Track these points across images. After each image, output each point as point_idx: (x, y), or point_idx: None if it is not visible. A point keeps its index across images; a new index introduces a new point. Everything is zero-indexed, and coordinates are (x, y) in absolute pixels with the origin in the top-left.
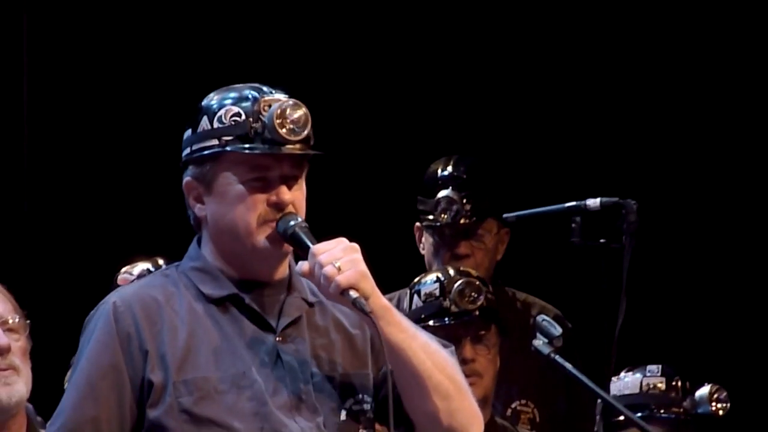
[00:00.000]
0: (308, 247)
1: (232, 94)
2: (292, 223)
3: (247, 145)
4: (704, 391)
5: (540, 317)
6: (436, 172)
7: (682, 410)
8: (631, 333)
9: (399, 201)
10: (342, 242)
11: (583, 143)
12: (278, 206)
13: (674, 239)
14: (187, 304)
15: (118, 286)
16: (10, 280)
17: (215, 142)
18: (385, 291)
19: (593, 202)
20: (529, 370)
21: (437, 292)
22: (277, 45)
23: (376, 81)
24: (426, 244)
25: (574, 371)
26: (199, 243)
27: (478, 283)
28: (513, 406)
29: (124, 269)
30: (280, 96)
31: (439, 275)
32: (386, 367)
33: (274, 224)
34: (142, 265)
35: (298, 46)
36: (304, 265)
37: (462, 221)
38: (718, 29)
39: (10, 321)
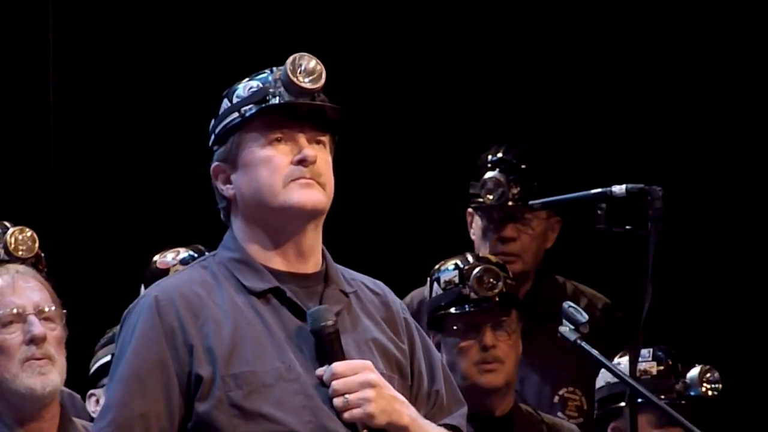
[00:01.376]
0: (337, 356)
1: (247, 79)
2: (328, 323)
3: (263, 105)
4: (694, 372)
5: (566, 304)
6: (487, 157)
7: (675, 394)
8: (657, 320)
9: (455, 188)
10: (363, 373)
11: (609, 129)
12: (302, 162)
13: (701, 225)
14: (229, 296)
15: (160, 270)
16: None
17: (235, 115)
18: None
19: (619, 189)
20: (577, 358)
21: (456, 279)
22: (313, 31)
23: (425, 74)
24: (475, 228)
25: (601, 358)
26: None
27: (496, 269)
28: (560, 393)
29: (162, 254)
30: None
31: (458, 262)
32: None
33: (302, 181)
34: (183, 253)
35: (340, 35)
36: (328, 374)
37: (509, 204)
38: (746, 17)
39: (47, 310)
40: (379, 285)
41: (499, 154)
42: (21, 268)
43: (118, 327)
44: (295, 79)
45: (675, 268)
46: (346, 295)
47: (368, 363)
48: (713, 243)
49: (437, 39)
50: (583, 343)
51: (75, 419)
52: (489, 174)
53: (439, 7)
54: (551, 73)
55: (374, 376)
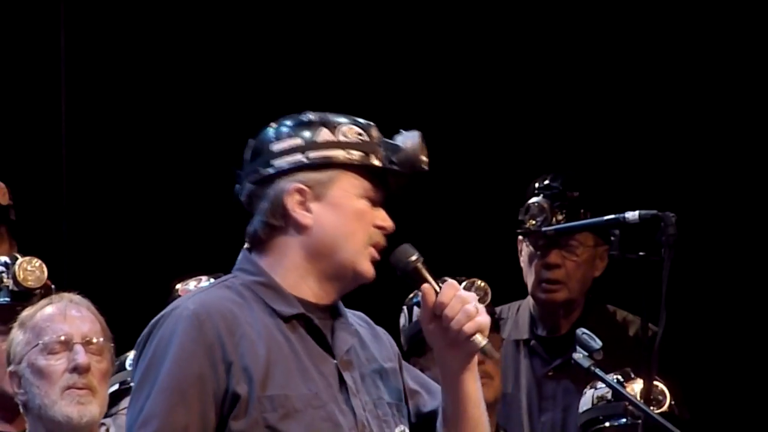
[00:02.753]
0: (431, 284)
1: (343, 117)
2: (413, 258)
3: (377, 163)
4: (636, 390)
5: (579, 330)
6: (535, 184)
7: (628, 415)
8: (671, 345)
9: (507, 215)
10: (461, 290)
11: (623, 156)
12: (384, 230)
13: (714, 251)
14: (260, 317)
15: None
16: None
17: (341, 152)
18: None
19: (632, 215)
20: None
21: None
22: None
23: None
24: (523, 254)
25: (615, 385)
26: (252, 255)
27: (484, 286)
28: None
29: (184, 281)
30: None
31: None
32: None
33: (374, 250)
34: (204, 280)
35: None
36: (435, 295)
37: (543, 229)
38: (760, 41)
39: (95, 341)
40: (362, 317)
41: (546, 181)
42: (75, 297)
43: (142, 339)
44: (421, 157)
45: (689, 294)
46: (351, 326)
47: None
48: (728, 269)
49: (458, 64)
50: (597, 370)
51: None
52: (534, 200)
53: (458, 32)
54: (565, 101)
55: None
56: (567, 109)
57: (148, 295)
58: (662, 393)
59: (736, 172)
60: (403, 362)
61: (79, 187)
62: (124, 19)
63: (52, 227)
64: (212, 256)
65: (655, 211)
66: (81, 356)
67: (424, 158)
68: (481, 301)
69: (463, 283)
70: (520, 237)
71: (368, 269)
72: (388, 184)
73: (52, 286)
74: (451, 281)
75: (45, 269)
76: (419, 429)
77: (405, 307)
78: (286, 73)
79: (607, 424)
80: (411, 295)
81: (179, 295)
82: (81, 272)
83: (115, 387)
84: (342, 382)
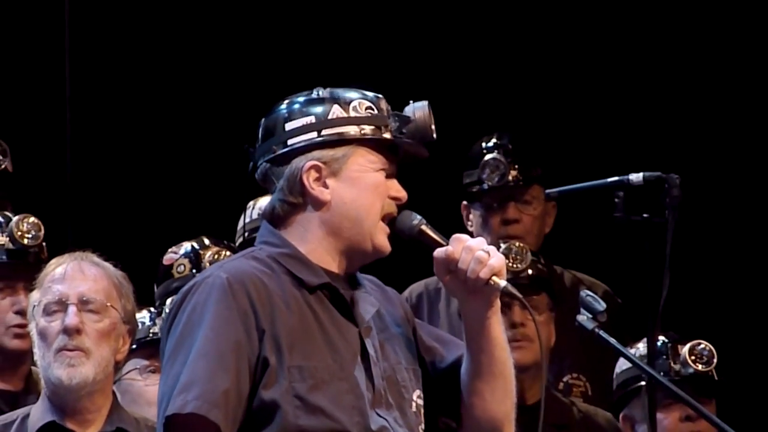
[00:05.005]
0: (439, 242)
1: (353, 92)
2: (415, 221)
3: (388, 136)
4: (684, 350)
5: (584, 292)
6: (481, 145)
7: (672, 372)
8: (674, 308)
9: (441, 185)
10: (469, 240)
11: (626, 117)
12: (398, 200)
13: (718, 213)
14: (287, 288)
15: (165, 266)
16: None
17: (354, 128)
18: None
19: (636, 177)
20: (579, 345)
21: None
22: (316, 22)
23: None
24: (474, 218)
25: (619, 346)
26: (274, 229)
27: (522, 247)
28: (565, 379)
29: (170, 249)
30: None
31: None
32: (441, 360)
33: (387, 228)
34: (186, 245)
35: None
36: (447, 250)
37: (509, 184)
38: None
39: (93, 300)
40: (374, 280)
41: (494, 140)
42: (85, 255)
43: (173, 307)
44: (431, 127)
45: (692, 255)
46: (370, 295)
47: (465, 236)
48: (731, 231)
49: (450, 32)
50: (602, 332)
51: (127, 409)
52: (489, 156)
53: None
54: (567, 62)
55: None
56: (571, 74)
57: (149, 258)
58: (711, 353)
59: (739, 134)
60: (418, 322)
61: (83, 152)
62: (126, 13)
63: (57, 188)
64: (208, 222)
65: (659, 173)
66: (70, 317)
67: (433, 127)
68: (519, 261)
69: (502, 246)
70: (465, 202)
71: (385, 243)
72: (399, 154)
73: (44, 244)
74: (457, 235)
75: (41, 227)
76: (440, 382)
77: None
78: (290, 47)
79: (645, 383)
80: None
81: (162, 264)
82: (85, 234)
83: None
84: (364, 350)
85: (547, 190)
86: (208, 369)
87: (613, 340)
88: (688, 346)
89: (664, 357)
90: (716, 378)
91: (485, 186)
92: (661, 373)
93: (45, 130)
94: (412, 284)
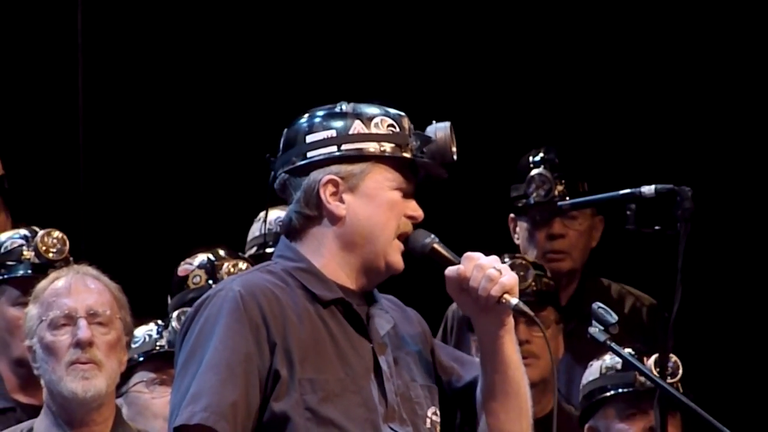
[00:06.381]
0: (451, 261)
1: (376, 108)
2: (427, 240)
3: (408, 155)
4: (650, 363)
5: (595, 304)
6: (528, 159)
7: (637, 383)
8: (687, 319)
9: (490, 199)
10: (481, 258)
11: (639, 130)
12: (414, 219)
13: (730, 225)
14: (301, 302)
15: (180, 277)
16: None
17: (374, 145)
18: None
19: (648, 189)
20: None
21: None
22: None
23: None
24: (520, 231)
25: (631, 358)
26: (290, 242)
27: (526, 263)
28: None
29: (185, 260)
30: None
31: None
32: (458, 380)
33: (401, 243)
34: (201, 256)
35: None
36: (459, 269)
37: (556, 199)
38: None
39: (101, 313)
40: (393, 300)
41: (541, 154)
42: (85, 269)
43: (187, 319)
44: (451, 148)
45: (705, 268)
46: (386, 312)
47: (477, 254)
48: (743, 243)
49: (450, 40)
50: (613, 344)
51: (130, 422)
52: (534, 171)
53: (457, 10)
54: (579, 74)
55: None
56: (582, 84)
57: (161, 269)
58: (676, 365)
59: (751, 147)
60: (436, 342)
61: (96, 162)
62: (139, 19)
63: (70, 199)
64: (221, 232)
65: (671, 186)
66: (83, 331)
67: (454, 149)
68: (524, 276)
69: (507, 261)
70: (512, 215)
71: (399, 261)
72: (418, 174)
73: (70, 258)
74: (468, 254)
75: (67, 242)
76: (456, 402)
77: None
78: (309, 58)
79: (610, 393)
80: None
81: (177, 275)
82: (98, 245)
83: None
84: (377, 366)
85: (560, 203)
86: (217, 381)
87: (624, 353)
88: (653, 358)
89: (624, 370)
90: (681, 391)
91: (531, 201)
92: (626, 385)
93: (58, 140)
94: (453, 304)
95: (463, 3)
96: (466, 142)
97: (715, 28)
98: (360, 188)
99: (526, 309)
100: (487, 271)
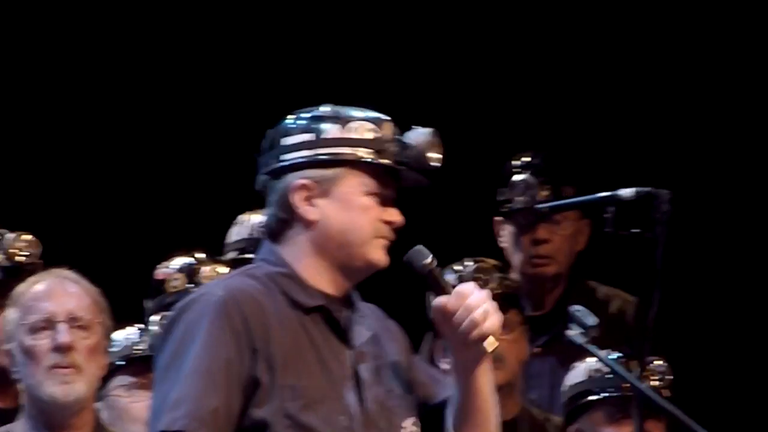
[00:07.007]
0: (442, 290)
1: (359, 112)
2: (427, 261)
3: (386, 160)
4: (639, 367)
5: (573, 307)
6: (513, 163)
7: (623, 389)
8: (665, 322)
9: (476, 200)
10: (474, 293)
11: (617, 133)
12: (392, 225)
13: (708, 229)
14: (282, 308)
15: (158, 281)
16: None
17: (348, 150)
18: None
19: (627, 192)
20: None
21: (456, 283)
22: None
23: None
24: (505, 235)
25: (610, 362)
26: (273, 245)
27: (489, 267)
28: None
29: (162, 263)
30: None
31: (455, 266)
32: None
33: (384, 242)
34: (180, 260)
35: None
36: (447, 303)
37: (538, 206)
38: (757, 21)
39: (81, 318)
40: (375, 309)
41: (527, 159)
42: (65, 273)
43: (168, 324)
44: (429, 155)
45: (683, 271)
46: (367, 319)
47: (471, 285)
48: (722, 246)
49: (437, 45)
50: (591, 347)
51: (109, 426)
52: (519, 177)
53: (435, 14)
54: (556, 77)
55: (484, 292)
56: (560, 86)
57: (138, 272)
58: (666, 370)
59: (730, 149)
60: (413, 356)
61: (73, 165)
62: (109, 19)
63: (47, 203)
64: (198, 235)
65: (649, 189)
66: (63, 335)
67: (434, 156)
68: (488, 281)
69: (470, 265)
70: (498, 218)
71: (379, 257)
72: (401, 179)
73: (41, 261)
74: (460, 289)
75: (39, 245)
76: (427, 420)
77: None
78: (289, 63)
79: (598, 396)
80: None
81: (155, 278)
82: (75, 249)
83: None
84: (356, 374)
85: (538, 205)
86: (198, 387)
87: (602, 355)
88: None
89: (611, 373)
90: (668, 395)
91: (515, 206)
92: (615, 388)
93: (34, 142)
94: None
95: (450, 8)
96: (455, 144)
97: (693, 32)
98: (333, 193)
99: (503, 354)
100: (473, 313)
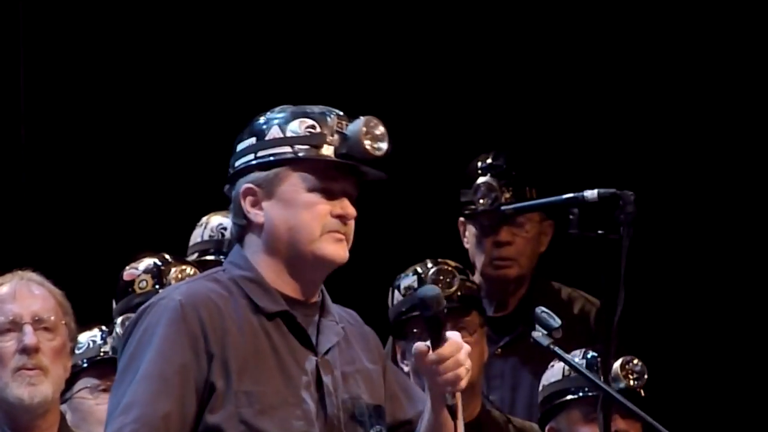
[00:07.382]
0: (440, 338)
1: (306, 109)
2: (441, 308)
3: (328, 154)
4: (616, 366)
5: (538, 309)
6: (476, 164)
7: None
8: (629, 323)
9: (443, 201)
10: (463, 348)
11: (581, 134)
12: (343, 218)
13: (672, 230)
14: (243, 313)
15: (125, 282)
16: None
17: (287, 149)
18: None
19: (591, 194)
20: None
21: (415, 284)
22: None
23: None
24: (469, 236)
25: (574, 363)
26: (242, 249)
27: (451, 269)
28: None
29: (130, 265)
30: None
31: (417, 268)
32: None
33: (337, 235)
34: (147, 261)
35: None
36: (441, 354)
37: (502, 207)
38: (718, 23)
39: (46, 319)
40: (353, 315)
41: (489, 160)
42: (28, 275)
43: (128, 328)
44: (365, 144)
45: (648, 272)
46: (338, 324)
47: (459, 336)
48: (686, 247)
49: (408, 47)
50: (557, 348)
51: (74, 429)
52: (481, 179)
53: (413, 16)
54: (520, 78)
55: (468, 347)
56: (523, 88)
57: (104, 273)
58: (643, 369)
59: (693, 150)
60: (389, 365)
61: (38, 165)
62: (82, 19)
63: (12, 203)
64: (166, 236)
65: (613, 190)
66: (29, 337)
67: (371, 144)
68: (450, 283)
69: (431, 266)
70: (462, 219)
71: (332, 252)
72: (363, 174)
73: None
74: (454, 341)
75: None
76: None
77: (391, 288)
78: (253, 65)
79: (574, 396)
80: (397, 276)
81: (122, 279)
82: (41, 251)
83: None
84: (319, 379)
85: (503, 207)
86: (150, 392)
87: (568, 357)
88: (620, 361)
89: (595, 370)
90: (642, 396)
91: (478, 209)
92: (589, 389)
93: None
94: None
95: (416, 9)
96: (419, 144)
97: (656, 33)
98: (276, 194)
99: (457, 412)
100: (458, 370)
